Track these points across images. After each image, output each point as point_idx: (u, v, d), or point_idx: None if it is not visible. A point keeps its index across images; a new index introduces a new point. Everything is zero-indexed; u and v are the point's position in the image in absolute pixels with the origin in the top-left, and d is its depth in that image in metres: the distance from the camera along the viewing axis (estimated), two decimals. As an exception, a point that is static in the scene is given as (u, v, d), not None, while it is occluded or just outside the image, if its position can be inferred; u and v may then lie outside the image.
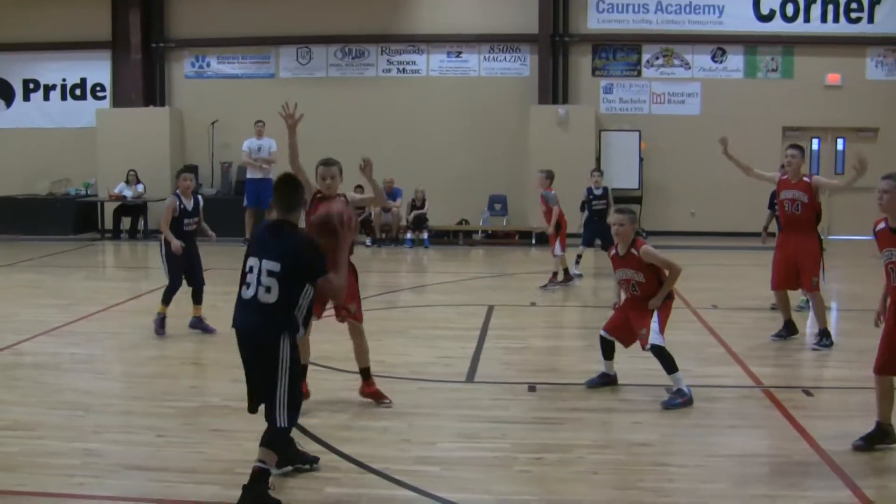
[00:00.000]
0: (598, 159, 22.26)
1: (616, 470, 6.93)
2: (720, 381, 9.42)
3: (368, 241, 21.45)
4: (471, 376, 9.50)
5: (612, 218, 9.10)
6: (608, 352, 9.07)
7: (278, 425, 6.18)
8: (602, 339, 9.06)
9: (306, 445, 7.26)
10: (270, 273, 6.09)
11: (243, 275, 6.27)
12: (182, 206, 11.75)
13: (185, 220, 11.79)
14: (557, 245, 15.25)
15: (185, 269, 11.94)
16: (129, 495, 6.45)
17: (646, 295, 8.69)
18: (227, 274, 17.61)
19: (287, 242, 6.18)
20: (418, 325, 12.48)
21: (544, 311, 13.42)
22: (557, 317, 13.29)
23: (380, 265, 19.26)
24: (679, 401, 8.42)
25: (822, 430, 7.67)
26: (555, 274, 15.30)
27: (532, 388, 8.95)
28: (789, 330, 11.33)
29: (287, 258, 6.09)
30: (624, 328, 8.93)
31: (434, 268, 19.18)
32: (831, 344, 10.83)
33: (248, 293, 6.18)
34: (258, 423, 7.39)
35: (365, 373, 8.52)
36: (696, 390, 8.64)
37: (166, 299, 11.84)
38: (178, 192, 11.91)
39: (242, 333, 6.28)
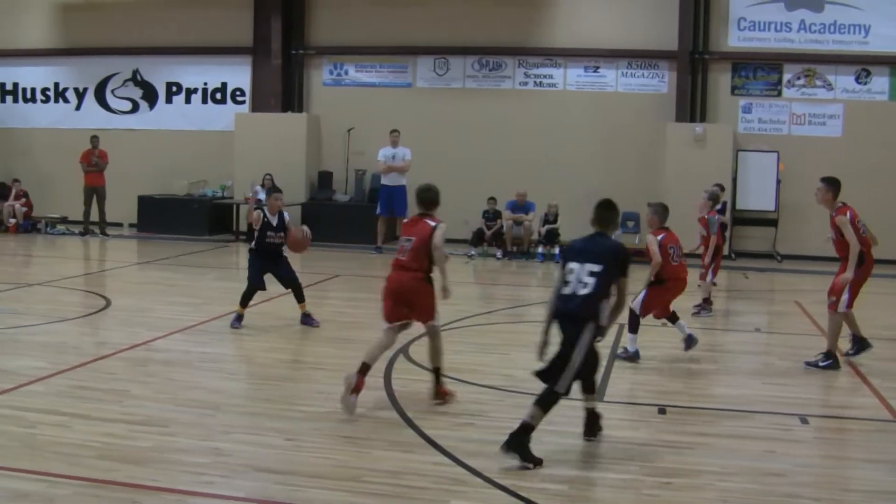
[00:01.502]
0: (734, 179, 21.88)
1: (746, 499, 6.71)
2: (856, 413, 9.15)
3: (499, 254, 21.39)
4: (600, 395, 9.35)
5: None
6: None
7: (558, 389, 7.28)
8: None
9: (433, 457, 7.23)
10: (591, 273, 7.43)
11: (563, 276, 7.57)
12: (266, 220, 12.59)
13: (269, 233, 12.62)
14: (711, 272, 14.88)
15: (274, 275, 12.79)
16: (256, 497, 6.49)
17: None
18: (354, 280, 17.82)
19: (606, 246, 7.67)
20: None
21: (675, 331, 13.17)
22: (689, 338, 13.04)
23: (510, 278, 19.19)
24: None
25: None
26: (705, 300, 14.88)
27: (662, 411, 8.79)
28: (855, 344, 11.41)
29: (607, 257, 7.50)
30: None
31: (564, 283, 19.01)
32: (834, 366, 10.83)
33: (568, 290, 7.49)
34: (387, 432, 7.41)
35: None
36: (830, 420, 8.44)
37: (244, 301, 12.50)
38: (265, 208, 12.77)
39: (563, 318, 7.51)
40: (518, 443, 7.12)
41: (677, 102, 22.71)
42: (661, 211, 11.60)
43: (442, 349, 8.94)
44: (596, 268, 7.41)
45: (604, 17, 23.29)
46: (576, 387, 7.45)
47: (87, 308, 13.70)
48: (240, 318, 12.45)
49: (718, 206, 16.24)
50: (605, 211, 7.85)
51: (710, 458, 7.55)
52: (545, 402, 7.29)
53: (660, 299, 11.47)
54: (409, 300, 8.83)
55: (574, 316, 7.40)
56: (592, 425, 7.91)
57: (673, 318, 11.65)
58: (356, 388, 8.36)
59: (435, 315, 8.91)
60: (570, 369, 7.30)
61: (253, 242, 12.79)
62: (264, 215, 12.60)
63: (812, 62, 22.65)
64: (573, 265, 7.51)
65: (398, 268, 8.92)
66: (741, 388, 9.31)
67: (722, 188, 17.58)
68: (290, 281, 12.82)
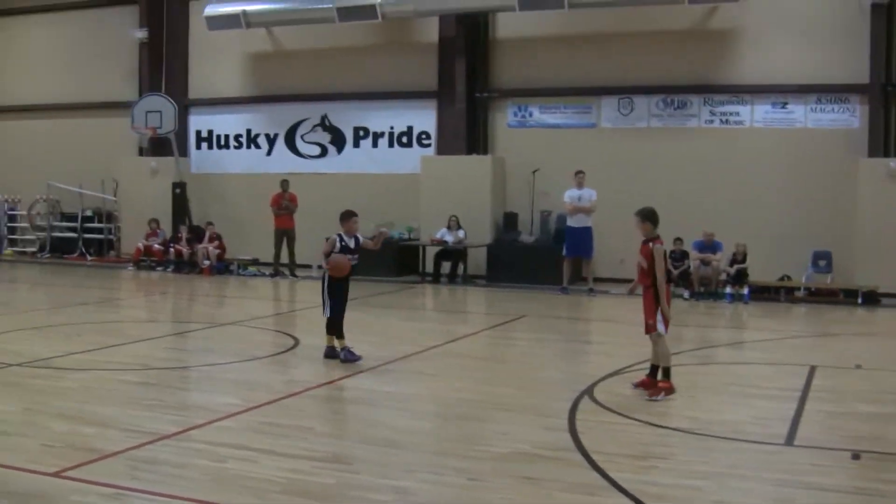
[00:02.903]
0: (932, 216, 21.01)
1: (947, 550, 6.43)
2: None
3: (686, 294, 21.05)
4: (789, 439, 9.07)
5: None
6: None
7: None
8: None
9: (616, 499, 7.11)
10: None
11: None
12: (343, 244, 12.85)
13: (348, 256, 12.82)
14: None
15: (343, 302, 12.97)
16: (437, 536, 6.49)
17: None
18: (540, 321, 17.80)
19: None
20: (735, 382, 12.09)
21: (870, 374, 12.70)
22: (885, 381, 12.52)
23: (697, 319, 18.85)
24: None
25: None
26: None
27: (856, 456, 8.43)
28: None
29: None
30: None
31: (753, 324, 18.58)
32: None
33: None
34: (570, 474, 7.35)
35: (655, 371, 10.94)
36: None
37: (332, 330, 12.90)
38: (341, 233, 12.98)
39: None
40: None
41: (870, 137, 21.93)
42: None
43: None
44: None
45: (791, 52, 22.70)
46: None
47: (277, 347, 14.01)
48: (333, 349, 12.82)
49: None
50: None
51: (907, 506, 7.23)
52: None
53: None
54: None
55: None
56: None
57: None
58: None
59: None
60: None
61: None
62: (342, 239, 12.85)
63: None
64: None
65: None
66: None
67: None
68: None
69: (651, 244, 10.90)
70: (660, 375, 10.79)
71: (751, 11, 22.86)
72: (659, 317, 10.75)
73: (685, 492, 7.32)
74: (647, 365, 11.11)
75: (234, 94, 28.25)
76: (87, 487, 7.07)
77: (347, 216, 13.10)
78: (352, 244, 12.92)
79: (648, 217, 11.03)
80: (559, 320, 18.60)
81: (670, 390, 10.52)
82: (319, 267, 13.43)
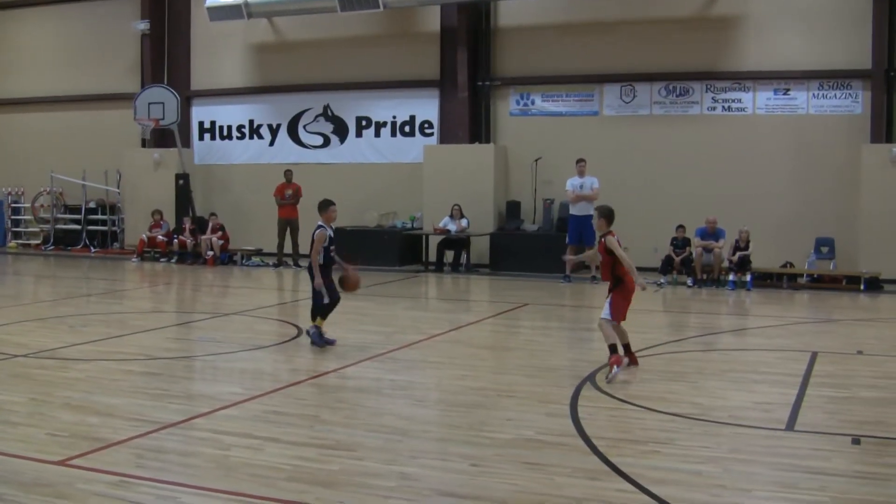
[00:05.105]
0: (935, 203, 21.03)
1: (948, 532, 6.47)
2: None
3: (690, 282, 21.10)
4: (790, 424, 9.10)
5: None
6: None
7: None
8: None
9: (618, 485, 7.15)
10: None
11: None
12: (329, 235, 13.01)
13: (331, 248, 13.05)
14: None
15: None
16: (442, 521, 6.53)
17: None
18: (543, 309, 17.84)
19: None
20: (737, 368, 12.12)
21: (873, 359, 12.74)
22: (887, 366, 12.57)
23: (700, 306, 18.89)
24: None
25: None
26: None
27: (856, 441, 8.47)
28: None
29: None
30: None
31: (756, 311, 18.60)
32: None
33: None
34: (572, 459, 7.38)
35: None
36: None
37: (325, 315, 13.18)
38: (321, 223, 13.09)
39: None
40: None
41: (872, 123, 21.95)
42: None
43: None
44: None
45: (793, 38, 22.71)
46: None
47: (281, 336, 14.08)
48: (322, 333, 13.03)
49: None
50: None
51: (907, 489, 7.27)
52: None
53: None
54: None
55: None
56: None
57: None
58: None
59: None
60: None
61: (321, 258, 13.01)
62: (327, 230, 13.02)
63: None
64: None
65: None
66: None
67: None
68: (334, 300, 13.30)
69: (604, 238, 11.54)
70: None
71: (753, -2, 22.93)
72: (608, 306, 11.60)
73: (686, 476, 7.36)
74: (648, 351, 11.21)
75: (237, 85, 28.29)
76: (92, 475, 7.13)
77: (326, 205, 13.25)
78: (332, 234, 13.11)
79: (604, 214, 11.66)
80: (562, 308, 18.64)
81: (618, 362, 11.06)
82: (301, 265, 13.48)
